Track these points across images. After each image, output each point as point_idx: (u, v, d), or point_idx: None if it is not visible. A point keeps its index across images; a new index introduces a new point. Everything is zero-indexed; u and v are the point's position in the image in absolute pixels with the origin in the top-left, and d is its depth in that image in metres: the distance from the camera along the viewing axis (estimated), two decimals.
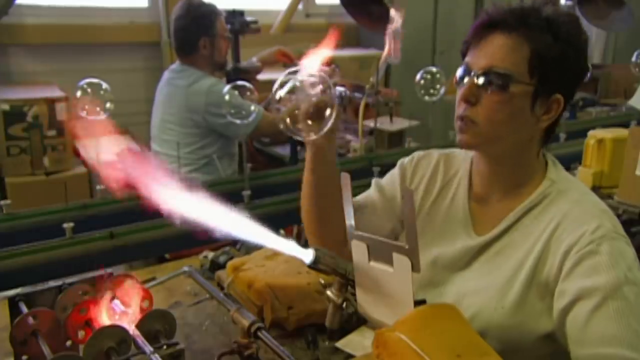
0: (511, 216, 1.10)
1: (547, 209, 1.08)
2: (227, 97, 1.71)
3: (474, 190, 1.19)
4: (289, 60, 2.83)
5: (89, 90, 1.54)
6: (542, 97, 1.05)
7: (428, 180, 1.24)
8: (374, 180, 1.32)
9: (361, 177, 1.89)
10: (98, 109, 1.52)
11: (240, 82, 1.73)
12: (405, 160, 1.29)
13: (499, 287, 1.07)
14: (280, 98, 1.49)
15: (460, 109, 1.08)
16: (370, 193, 1.30)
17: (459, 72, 1.09)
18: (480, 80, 1.04)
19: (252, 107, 1.73)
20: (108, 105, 1.54)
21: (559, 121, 1.11)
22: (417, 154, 1.29)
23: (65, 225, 1.48)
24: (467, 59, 1.09)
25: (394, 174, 1.30)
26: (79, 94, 1.54)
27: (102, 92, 1.54)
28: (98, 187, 1.67)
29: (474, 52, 1.07)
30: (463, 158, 1.23)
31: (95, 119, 1.53)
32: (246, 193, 1.75)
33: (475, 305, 1.07)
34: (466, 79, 1.07)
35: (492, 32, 1.05)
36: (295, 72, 1.16)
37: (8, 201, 1.58)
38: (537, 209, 1.09)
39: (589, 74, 1.11)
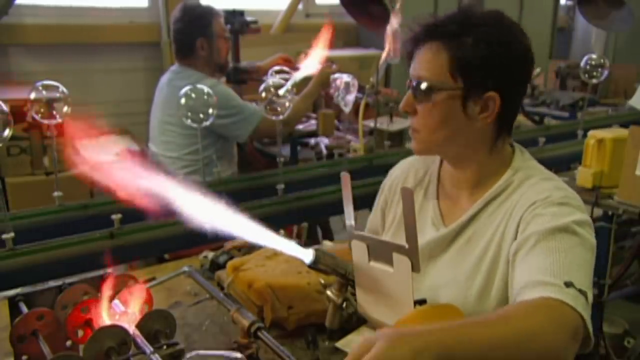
0: (475, 206, 1.13)
1: (509, 196, 1.11)
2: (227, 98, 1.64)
3: (444, 188, 1.22)
4: (290, 65, 2.83)
5: (44, 92, 1.45)
6: (473, 98, 1.07)
7: (402, 184, 1.28)
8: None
9: (361, 177, 1.89)
10: (54, 112, 1.44)
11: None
12: (385, 182, 1.35)
13: (467, 276, 1.10)
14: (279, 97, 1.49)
15: (409, 118, 1.14)
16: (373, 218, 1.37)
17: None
18: (411, 92, 1.10)
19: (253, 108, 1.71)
20: (65, 109, 1.45)
21: (511, 115, 1.12)
22: (392, 171, 1.35)
23: (113, 216, 1.49)
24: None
25: (377, 201, 1.35)
26: (32, 95, 1.45)
27: (58, 95, 1.45)
28: (55, 193, 1.56)
29: (412, 66, 1.13)
30: (433, 159, 1.26)
31: (50, 122, 1.45)
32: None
33: (447, 296, 1.10)
34: None
35: (418, 45, 1.10)
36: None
37: (10, 234, 1.38)
38: (500, 197, 1.12)
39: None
